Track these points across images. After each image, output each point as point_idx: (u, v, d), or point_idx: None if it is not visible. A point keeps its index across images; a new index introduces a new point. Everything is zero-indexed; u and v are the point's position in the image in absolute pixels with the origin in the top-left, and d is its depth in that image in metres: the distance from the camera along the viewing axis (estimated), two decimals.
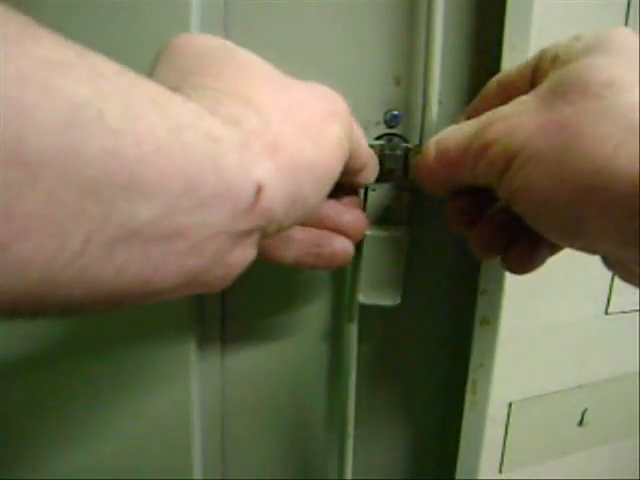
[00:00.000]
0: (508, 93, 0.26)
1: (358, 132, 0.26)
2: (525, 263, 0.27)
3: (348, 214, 0.28)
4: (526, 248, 0.27)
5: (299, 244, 0.27)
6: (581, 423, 0.41)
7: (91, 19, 0.30)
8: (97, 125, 0.13)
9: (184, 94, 0.18)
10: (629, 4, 0.35)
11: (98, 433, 0.36)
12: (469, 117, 0.27)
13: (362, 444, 0.38)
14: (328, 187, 0.22)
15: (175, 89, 0.19)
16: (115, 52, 0.30)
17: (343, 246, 0.28)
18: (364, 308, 0.32)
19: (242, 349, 0.36)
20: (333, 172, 0.22)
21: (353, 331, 0.33)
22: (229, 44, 0.22)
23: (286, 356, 0.37)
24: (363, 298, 0.31)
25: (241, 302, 0.36)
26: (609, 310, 0.39)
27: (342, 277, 0.35)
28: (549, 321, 0.38)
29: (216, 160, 0.17)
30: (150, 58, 0.29)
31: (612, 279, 0.39)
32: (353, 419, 0.34)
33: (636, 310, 0.40)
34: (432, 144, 0.27)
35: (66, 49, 0.14)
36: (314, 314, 0.36)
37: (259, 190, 0.18)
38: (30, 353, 0.34)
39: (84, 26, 0.30)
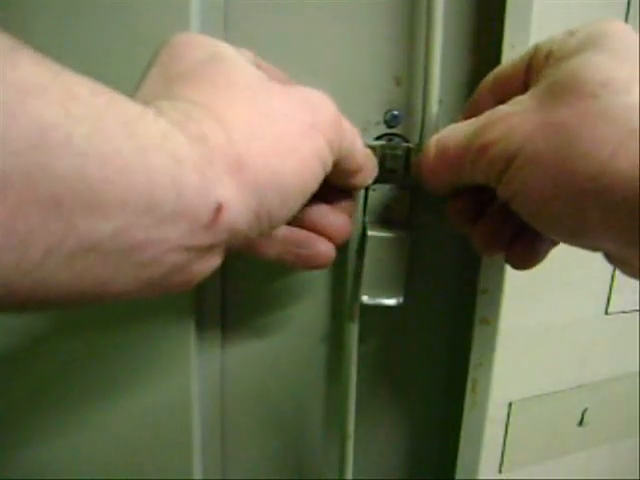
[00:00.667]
0: (503, 88, 0.26)
1: (352, 134, 0.25)
2: (528, 258, 0.27)
3: (335, 218, 0.28)
4: (528, 243, 0.27)
5: (282, 242, 0.27)
6: (581, 423, 0.41)
7: (91, 19, 0.30)
8: (64, 147, 0.14)
9: (161, 106, 0.19)
10: (629, 4, 0.35)
11: (95, 429, 0.36)
12: (467, 113, 0.27)
13: (362, 444, 0.38)
14: (300, 200, 0.22)
15: (157, 97, 0.20)
16: (115, 52, 0.30)
17: (325, 250, 0.28)
18: (364, 307, 0.32)
19: (242, 347, 0.36)
20: (305, 186, 0.22)
21: (354, 330, 0.33)
22: (221, 52, 0.22)
23: (286, 355, 0.37)
24: (366, 298, 0.31)
25: (241, 300, 0.36)
26: (609, 310, 0.39)
27: (343, 276, 0.35)
28: (549, 321, 0.38)
29: (177, 180, 0.17)
30: (149, 58, 0.29)
31: (612, 279, 0.39)
32: (353, 418, 0.34)
33: (636, 310, 0.40)
34: (432, 143, 0.26)
35: (43, 71, 0.15)
36: (314, 313, 0.36)
37: (219, 209, 0.18)
38: (26, 345, 0.34)
39: (83, 26, 0.30)
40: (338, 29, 0.32)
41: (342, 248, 0.34)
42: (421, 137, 0.31)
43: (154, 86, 0.21)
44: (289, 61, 0.32)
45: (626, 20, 0.35)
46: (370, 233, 0.31)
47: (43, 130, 0.14)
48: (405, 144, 0.32)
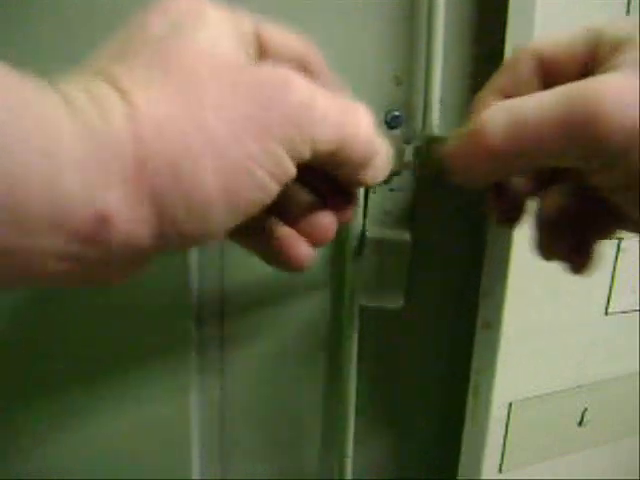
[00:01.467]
0: (549, 71, 0.23)
1: (345, 117, 0.20)
2: (591, 263, 0.26)
3: (323, 219, 0.24)
4: (591, 244, 0.25)
5: (256, 235, 0.23)
6: (581, 423, 0.41)
7: (89, 19, 0.30)
8: None
9: (76, 84, 0.16)
10: (629, 4, 0.35)
11: (97, 433, 0.36)
12: (492, 93, 0.24)
13: (362, 445, 0.37)
14: (232, 215, 0.18)
15: (94, 71, 0.17)
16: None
17: (304, 253, 0.23)
18: (365, 310, 0.32)
19: (241, 351, 0.36)
20: (238, 201, 0.18)
21: (354, 333, 0.33)
22: (192, 22, 0.19)
23: (286, 357, 0.37)
24: (366, 301, 0.31)
25: (241, 303, 0.35)
26: (609, 310, 0.39)
27: (343, 279, 0.34)
28: (549, 321, 0.38)
29: (51, 181, 0.14)
30: None
31: (612, 279, 0.39)
32: (353, 420, 0.34)
33: (636, 310, 0.40)
34: (497, 117, 0.21)
35: None
36: (315, 316, 0.36)
37: (104, 220, 0.15)
38: (26, 349, 0.33)
39: (82, 27, 0.30)
40: (339, 29, 0.31)
41: (342, 250, 0.34)
42: (422, 138, 0.31)
43: (103, 56, 0.18)
44: None
45: None
46: (370, 235, 0.30)
47: None
48: (406, 145, 0.32)
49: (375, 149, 0.22)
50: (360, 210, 0.33)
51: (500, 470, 0.40)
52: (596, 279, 0.38)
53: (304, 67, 0.23)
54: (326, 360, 0.37)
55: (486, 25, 0.31)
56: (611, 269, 0.38)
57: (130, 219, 0.16)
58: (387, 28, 0.31)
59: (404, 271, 0.31)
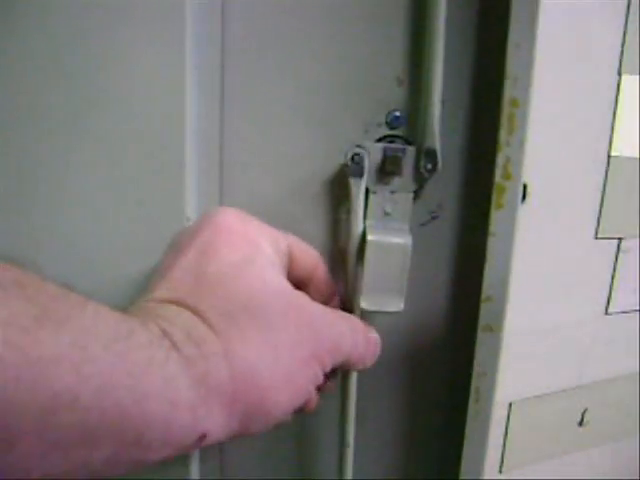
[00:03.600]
0: None
1: (352, 347, 0.27)
2: None
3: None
4: None
5: None
6: (581, 423, 0.41)
7: (86, 19, 0.30)
8: (70, 407, 0.16)
9: (178, 326, 0.20)
10: (629, 4, 0.34)
11: None
12: None
13: (363, 445, 0.37)
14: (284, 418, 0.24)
15: (180, 297, 0.22)
16: (109, 51, 0.30)
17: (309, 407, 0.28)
18: (366, 314, 0.31)
19: None
20: (293, 408, 0.24)
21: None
22: (253, 258, 0.24)
23: None
24: (366, 304, 0.30)
25: None
26: (609, 310, 0.39)
27: (343, 281, 0.34)
28: (549, 321, 0.38)
29: (169, 419, 0.19)
30: (146, 57, 0.29)
31: (612, 279, 0.39)
32: (354, 420, 0.34)
33: (636, 310, 0.40)
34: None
35: (62, 337, 0.17)
36: None
37: (203, 437, 0.20)
38: None
39: (81, 27, 0.30)
40: (339, 29, 0.31)
41: (342, 252, 0.34)
42: (423, 139, 0.31)
43: (181, 282, 0.23)
44: (290, 62, 0.32)
45: (626, 20, 0.35)
46: (370, 237, 0.30)
47: (54, 396, 0.16)
48: (407, 146, 0.32)
49: (373, 355, 0.29)
50: (360, 212, 0.33)
51: (500, 470, 0.40)
52: (596, 279, 0.39)
53: (313, 275, 0.29)
54: None
55: (488, 24, 0.31)
56: (611, 269, 0.38)
57: (222, 434, 0.21)
58: (388, 29, 0.31)
59: (404, 274, 0.30)
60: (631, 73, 0.35)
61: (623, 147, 0.36)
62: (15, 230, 0.32)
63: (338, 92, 0.32)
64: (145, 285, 0.25)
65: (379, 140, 0.32)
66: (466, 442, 0.34)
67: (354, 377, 0.33)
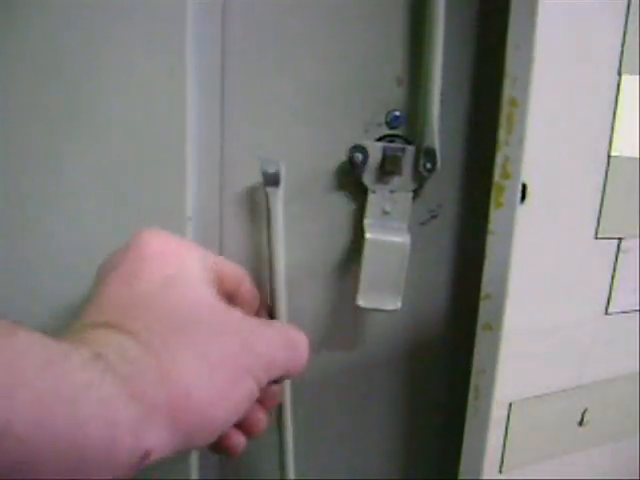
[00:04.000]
0: None
1: (287, 362, 0.26)
2: None
3: (256, 415, 0.29)
4: None
5: None
6: (581, 423, 0.41)
7: (86, 19, 0.30)
8: (6, 434, 0.16)
9: (114, 349, 0.20)
10: (629, 4, 0.34)
11: None
12: None
13: (363, 445, 0.37)
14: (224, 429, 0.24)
15: (112, 321, 0.22)
16: (110, 51, 0.30)
17: (236, 443, 0.28)
18: (364, 312, 0.31)
19: None
20: (232, 421, 0.24)
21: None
22: (181, 276, 0.24)
23: None
24: (363, 302, 0.31)
25: None
26: (609, 310, 0.39)
27: (341, 280, 0.34)
28: (549, 321, 0.38)
29: (110, 443, 0.19)
30: (145, 57, 0.29)
31: (612, 279, 0.39)
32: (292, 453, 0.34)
33: (636, 310, 0.40)
34: None
35: None
36: (313, 318, 0.36)
37: (147, 454, 0.20)
38: None
39: (81, 27, 0.30)
40: (339, 29, 0.31)
41: (341, 250, 0.34)
42: (423, 138, 0.31)
43: (112, 305, 0.23)
44: (289, 61, 0.32)
45: (626, 20, 0.35)
46: (369, 236, 0.30)
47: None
48: (407, 146, 0.32)
49: (306, 360, 0.28)
50: (359, 211, 0.33)
51: (500, 470, 0.40)
52: (596, 279, 0.39)
53: (239, 290, 0.29)
54: (327, 361, 0.37)
55: (487, 26, 0.31)
56: (611, 269, 0.38)
57: (167, 449, 0.21)
58: (388, 29, 0.31)
59: (402, 273, 0.30)
60: (631, 73, 0.35)
61: (623, 147, 0.36)
62: (15, 230, 0.33)
63: (338, 92, 0.32)
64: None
65: (379, 140, 0.32)
66: (466, 439, 0.34)
67: (288, 411, 0.34)
